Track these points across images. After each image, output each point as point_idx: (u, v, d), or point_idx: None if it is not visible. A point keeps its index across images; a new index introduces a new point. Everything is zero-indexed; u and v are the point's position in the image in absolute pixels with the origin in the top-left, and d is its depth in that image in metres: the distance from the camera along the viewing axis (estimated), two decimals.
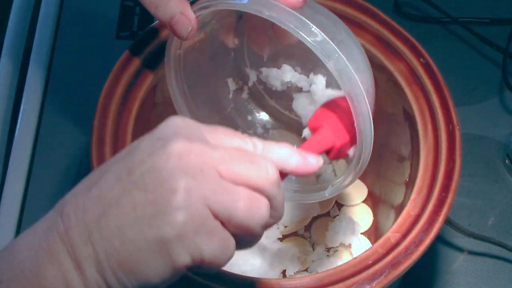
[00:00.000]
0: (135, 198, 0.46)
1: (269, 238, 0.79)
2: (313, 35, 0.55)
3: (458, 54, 0.97)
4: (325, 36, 0.55)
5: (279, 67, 0.71)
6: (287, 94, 0.73)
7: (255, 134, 0.75)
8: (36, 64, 0.96)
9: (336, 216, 0.82)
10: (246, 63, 0.73)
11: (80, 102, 0.93)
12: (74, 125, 0.92)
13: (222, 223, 0.47)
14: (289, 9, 0.56)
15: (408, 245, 0.62)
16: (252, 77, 0.74)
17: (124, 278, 0.47)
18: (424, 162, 0.67)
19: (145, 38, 0.72)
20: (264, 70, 0.72)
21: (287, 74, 0.70)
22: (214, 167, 0.47)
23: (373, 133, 0.58)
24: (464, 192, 0.87)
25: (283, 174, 0.52)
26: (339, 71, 0.55)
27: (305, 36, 0.55)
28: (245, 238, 0.49)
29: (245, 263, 0.76)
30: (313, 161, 0.53)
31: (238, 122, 0.76)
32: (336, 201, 0.83)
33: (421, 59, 0.70)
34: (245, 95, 0.76)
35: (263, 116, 0.77)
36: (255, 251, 0.77)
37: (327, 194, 0.64)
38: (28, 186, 0.88)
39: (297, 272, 0.77)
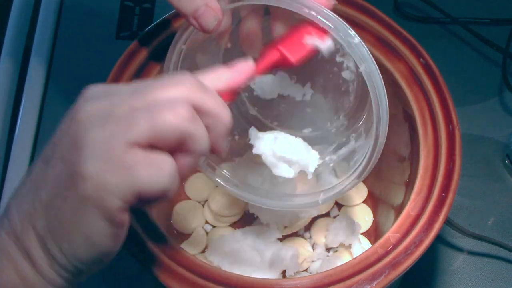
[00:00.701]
0: (56, 169, 0.47)
1: (269, 239, 0.79)
2: (351, 37, 0.56)
3: (458, 54, 0.97)
4: (360, 39, 0.56)
5: (274, 73, 0.71)
6: (274, 104, 0.73)
7: (233, 139, 0.75)
8: (36, 64, 0.96)
9: (336, 216, 0.82)
10: None
11: None
12: None
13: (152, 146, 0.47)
14: (326, 9, 0.57)
15: (408, 245, 0.62)
16: None
17: (68, 248, 0.48)
18: (424, 162, 0.67)
19: (145, 38, 0.72)
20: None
21: (282, 83, 0.70)
22: (125, 104, 0.47)
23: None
24: (464, 192, 0.87)
25: (231, 93, 0.54)
26: (368, 74, 0.57)
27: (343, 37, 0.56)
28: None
29: (245, 263, 0.76)
30: (242, 65, 0.54)
31: None
32: (336, 202, 0.83)
33: (421, 59, 0.70)
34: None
35: (243, 124, 0.77)
36: (255, 252, 0.77)
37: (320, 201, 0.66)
38: None
39: (297, 272, 0.77)
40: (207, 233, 0.82)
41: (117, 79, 0.70)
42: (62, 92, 0.95)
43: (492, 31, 0.98)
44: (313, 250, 0.80)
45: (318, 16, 0.56)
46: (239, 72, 0.54)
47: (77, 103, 0.49)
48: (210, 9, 0.59)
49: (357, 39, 0.56)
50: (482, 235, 0.83)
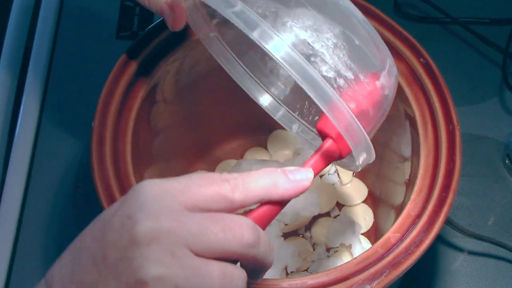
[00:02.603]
0: (110, 286, 0.46)
1: (269, 236, 0.79)
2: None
3: (458, 54, 0.97)
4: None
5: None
6: None
7: None
8: (36, 64, 0.96)
9: (336, 216, 0.82)
10: None
11: (80, 102, 0.92)
12: (74, 125, 0.92)
13: None
14: None
15: (408, 245, 0.62)
16: None
17: None
18: (424, 162, 0.66)
19: (145, 38, 0.72)
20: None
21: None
22: (185, 245, 0.46)
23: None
24: (464, 192, 0.87)
25: (277, 204, 0.51)
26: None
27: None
28: None
29: None
30: (302, 177, 0.51)
31: None
32: (336, 201, 0.83)
33: (421, 59, 0.70)
34: None
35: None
36: None
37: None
38: (28, 186, 0.88)
39: (298, 268, 0.78)
40: None
41: (117, 79, 0.69)
42: (62, 92, 0.95)
43: (492, 31, 0.98)
44: (314, 250, 0.80)
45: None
46: (296, 185, 0.51)
47: (133, 204, 0.47)
48: (168, 9, 0.62)
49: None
50: (482, 235, 0.83)
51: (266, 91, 0.70)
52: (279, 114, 0.70)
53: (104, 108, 0.68)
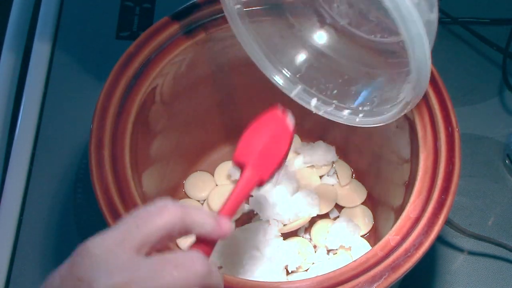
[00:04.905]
0: None
1: (269, 235, 0.79)
2: None
3: (458, 54, 0.97)
4: None
5: None
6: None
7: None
8: (36, 64, 0.96)
9: (336, 218, 0.82)
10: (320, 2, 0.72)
11: (80, 102, 0.92)
12: (74, 125, 0.92)
13: None
14: None
15: (408, 247, 0.62)
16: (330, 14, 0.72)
17: None
18: (424, 164, 0.66)
19: (145, 38, 0.72)
20: None
21: None
22: None
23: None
24: (464, 192, 0.87)
25: (208, 243, 0.55)
26: None
27: None
28: None
29: (247, 261, 0.76)
30: (225, 226, 0.55)
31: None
32: (336, 203, 0.83)
33: None
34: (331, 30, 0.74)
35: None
36: (256, 249, 0.77)
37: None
38: (28, 186, 0.88)
39: (299, 267, 0.78)
40: None
41: (117, 79, 0.70)
42: (62, 92, 0.95)
43: (492, 31, 0.98)
44: (315, 251, 0.80)
45: None
46: (220, 229, 0.54)
47: (83, 268, 0.49)
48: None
49: None
50: (482, 235, 0.83)
51: (280, 71, 0.72)
52: (295, 92, 0.72)
53: (103, 111, 0.68)
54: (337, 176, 0.85)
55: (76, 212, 0.86)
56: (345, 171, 0.85)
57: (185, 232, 0.53)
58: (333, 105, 0.71)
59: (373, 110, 0.67)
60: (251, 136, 0.63)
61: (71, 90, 0.95)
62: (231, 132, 0.86)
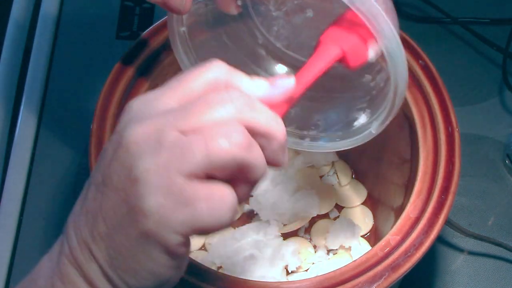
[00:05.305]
0: (112, 200, 0.46)
1: (269, 235, 0.79)
2: None
3: (458, 54, 0.97)
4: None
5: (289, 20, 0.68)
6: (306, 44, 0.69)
7: None
8: (36, 64, 0.96)
9: (336, 218, 0.82)
10: (256, 23, 0.70)
11: (80, 102, 0.93)
12: (74, 126, 0.92)
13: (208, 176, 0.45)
14: None
15: (408, 247, 0.62)
16: (264, 35, 0.71)
17: (132, 280, 0.47)
18: (424, 164, 0.67)
19: (145, 38, 0.72)
20: (281, 22, 0.69)
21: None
22: (173, 127, 0.45)
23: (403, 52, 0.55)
24: (464, 192, 0.87)
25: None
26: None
27: None
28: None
29: (247, 261, 0.76)
30: (280, 82, 0.50)
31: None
32: (336, 203, 0.83)
33: (420, 61, 0.70)
34: (262, 52, 0.72)
35: (281, 68, 0.73)
36: (256, 249, 0.77)
37: (374, 131, 0.62)
38: (28, 187, 0.88)
39: (299, 267, 0.78)
40: None
41: (117, 79, 0.70)
42: (62, 92, 0.95)
43: (492, 31, 0.98)
44: (315, 252, 0.80)
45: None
46: (278, 88, 0.50)
47: (121, 123, 0.47)
48: None
49: None
50: (482, 235, 0.83)
51: None
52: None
53: (103, 111, 0.68)
54: (337, 176, 0.85)
55: None
56: (345, 171, 0.85)
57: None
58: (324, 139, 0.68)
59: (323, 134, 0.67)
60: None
61: (71, 90, 0.95)
62: None
